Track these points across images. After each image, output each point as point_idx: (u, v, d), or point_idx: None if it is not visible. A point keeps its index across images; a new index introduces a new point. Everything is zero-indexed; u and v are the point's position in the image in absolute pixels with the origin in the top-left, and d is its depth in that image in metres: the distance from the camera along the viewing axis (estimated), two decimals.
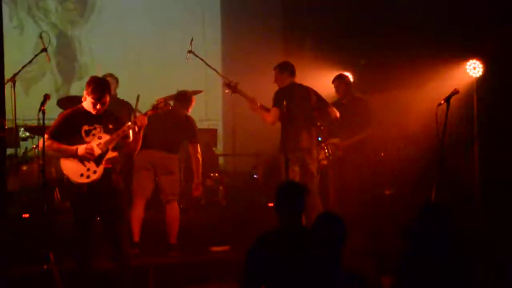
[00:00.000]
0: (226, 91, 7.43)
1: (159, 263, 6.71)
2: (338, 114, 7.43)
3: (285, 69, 7.44)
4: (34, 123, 6.80)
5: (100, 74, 7.01)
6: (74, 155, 5.58)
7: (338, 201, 7.76)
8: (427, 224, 4.22)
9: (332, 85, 8.11)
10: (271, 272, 4.22)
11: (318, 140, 7.63)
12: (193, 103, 7.58)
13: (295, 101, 7.22)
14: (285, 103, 6.94)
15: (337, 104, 7.81)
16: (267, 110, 7.26)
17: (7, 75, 7.18)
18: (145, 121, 5.78)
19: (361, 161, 7.87)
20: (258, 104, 7.32)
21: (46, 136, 5.65)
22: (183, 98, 7.49)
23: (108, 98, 5.71)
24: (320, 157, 7.70)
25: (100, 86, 5.69)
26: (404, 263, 4.24)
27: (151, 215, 7.83)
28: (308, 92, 7.42)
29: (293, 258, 4.21)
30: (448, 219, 4.23)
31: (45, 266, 5.64)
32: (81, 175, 5.59)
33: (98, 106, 5.66)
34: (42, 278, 5.65)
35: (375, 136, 8.05)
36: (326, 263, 4.10)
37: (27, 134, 8.35)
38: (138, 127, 5.74)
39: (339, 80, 8.06)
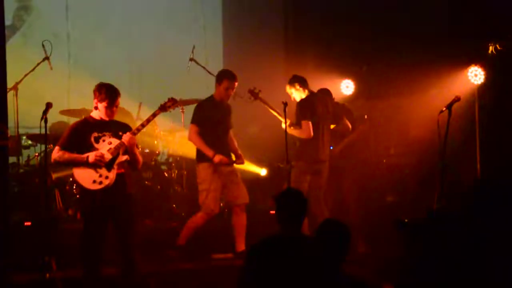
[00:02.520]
0: (249, 97, 7.31)
1: (162, 271, 6.70)
2: (350, 127, 7.56)
3: (294, 81, 7.42)
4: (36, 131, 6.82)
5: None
6: (85, 163, 5.59)
7: (337, 208, 7.73)
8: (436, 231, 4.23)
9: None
10: (268, 277, 4.23)
11: (330, 149, 7.62)
12: None
13: (318, 112, 7.27)
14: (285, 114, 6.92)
15: None
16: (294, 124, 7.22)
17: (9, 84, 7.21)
18: (133, 140, 5.72)
19: (357, 166, 7.84)
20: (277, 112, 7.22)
21: (57, 147, 5.68)
22: None
23: (119, 101, 5.76)
24: None
25: (112, 88, 5.75)
26: (408, 270, 4.24)
27: (152, 223, 7.86)
28: (328, 102, 7.52)
29: (289, 263, 4.22)
30: (456, 227, 4.24)
31: (47, 274, 5.66)
32: (94, 181, 5.60)
33: (114, 109, 5.73)
34: (45, 286, 5.67)
35: (368, 137, 8.04)
36: (323, 270, 4.09)
37: (30, 142, 8.37)
38: (127, 146, 5.68)
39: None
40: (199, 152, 7.01)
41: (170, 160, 8.76)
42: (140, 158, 5.86)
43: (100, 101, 5.69)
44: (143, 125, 5.82)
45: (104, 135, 5.69)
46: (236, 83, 6.96)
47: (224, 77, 6.94)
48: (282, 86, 7.71)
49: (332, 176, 7.69)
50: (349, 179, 7.83)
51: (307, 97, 7.36)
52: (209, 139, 6.93)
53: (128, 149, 5.69)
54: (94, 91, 5.74)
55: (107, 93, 5.70)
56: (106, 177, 5.60)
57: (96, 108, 5.72)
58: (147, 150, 8.25)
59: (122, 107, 8.23)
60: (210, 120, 6.96)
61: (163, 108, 5.97)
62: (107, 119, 5.72)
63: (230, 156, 7.04)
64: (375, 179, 8.10)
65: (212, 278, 6.66)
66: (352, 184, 7.82)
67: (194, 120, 6.98)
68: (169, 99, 6.02)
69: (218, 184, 6.98)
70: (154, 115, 5.89)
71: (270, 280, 4.23)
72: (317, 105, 7.32)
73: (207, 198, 6.93)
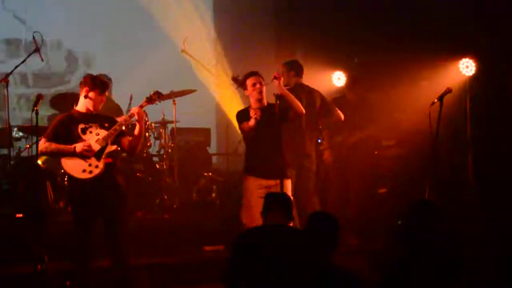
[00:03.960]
0: (233, 83, 7.12)
1: (153, 263, 6.70)
2: (342, 117, 7.30)
3: (292, 67, 7.38)
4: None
5: None
6: (72, 154, 5.58)
7: (338, 201, 7.67)
8: (417, 221, 4.22)
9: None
10: (253, 269, 4.23)
11: (318, 142, 7.58)
12: None
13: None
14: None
15: (342, 99, 7.79)
16: None
17: None
18: (142, 112, 5.76)
19: (365, 160, 7.77)
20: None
21: (43, 139, 5.66)
22: None
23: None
24: (324, 157, 7.67)
25: (102, 78, 5.80)
26: (393, 263, 4.23)
27: (143, 215, 7.85)
28: (314, 96, 7.34)
29: (277, 254, 4.22)
30: (438, 216, 4.23)
31: (39, 266, 5.65)
32: (83, 171, 5.58)
33: (105, 97, 5.73)
34: (36, 278, 5.66)
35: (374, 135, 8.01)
36: (312, 262, 4.09)
37: (21, 134, 8.34)
38: (136, 120, 5.71)
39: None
40: (244, 162, 6.51)
41: (162, 152, 8.74)
42: (141, 140, 5.85)
43: (93, 89, 5.69)
44: (131, 116, 5.79)
45: (91, 126, 5.69)
46: (259, 77, 6.35)
47: (245, 78, 6.36)
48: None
49: (339, 168, 7.65)
50: (356, 173, 7.72)
51: (291, 88, 7.28)
52: (251, 150, 6.39)
53: (138, 122, 5.69)
54: (85, 81, 5.73)
55: (100, 81, 5.74)
56: (96, 166, 5.59)
57: (86, 97, 5.71)
58: None
59: (111, 98, 8.26)
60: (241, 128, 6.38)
61: (149, 100, 5.95)
62: (96, 107, 5.71)
63: (275, 169, 6.18)
64: (366, 171, 8.08)
65: (203, 270, 6.66)
66: (358, 178, 7.72)
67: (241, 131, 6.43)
68: (154, 92, 5.99)
69: (256, 198, 6.15)
70: (140, 107, 5.86)
71: (257, 271, 4.22)
72: (300, 99, 7.19)
73: (242, 210, 6.39)
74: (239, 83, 6.65)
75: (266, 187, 6.17)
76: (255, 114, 6.19)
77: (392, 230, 4.45)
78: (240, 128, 6.42)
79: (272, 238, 4.32)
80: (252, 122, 6.18)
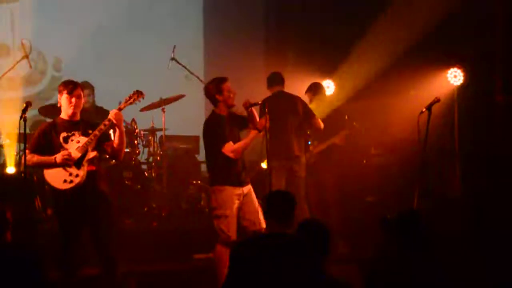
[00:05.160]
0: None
1: (142, 271, 6.68)
2: (322, 126, 7.39)
3: (268, 81, 7.54)
4: None
5: None
6: (54, 164, 5.56)
7: (319, 209, 7.74)
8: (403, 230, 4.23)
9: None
10: (251, 276, 4.23)
11: (308, 144, 7.64)
12: None
13: (282, 110, 7.23)
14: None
15: None
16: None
17: None
18: (120, 115, 5.64)
19: (337, 167, 7.85)
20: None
21: (27, 151, 5.64)
22: None
23: (80, 92, 5.69)
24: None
25: (69, 80, 5.74)
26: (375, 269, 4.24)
27: (132, 223, 7.83)
28: (296, 102, 7.44)
29: (272, 263, 4.22)
30: (424, 224, 4.25)
31: None
32: (64, 181, 5.56)
33: (73, 100, 5.63)
34: None
35: (350, 142, 8.05)
36: (306, 270, 4.09)
37: (8, 141, 8.29)
38: (114, 123, 5.64)
39: (312, 92, 7.96)
40: (216, 173, 6.18)
41: (151, 159, 8.72)
42: (125, 143, 5.80)
43: (60, 93, 5.68)
44: (109, 120, 5.66)
45: (73, 134, 5.65)
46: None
47: (220, 83, 6.16)
48: (262, 85, 7.74)
49: (314, 177, 7.70)
50: (330, 180, 7.83)
51: (269, 96, 7.36)
52: (223, 160, 6.09)
53: (117, 126, 5.61)
54: (58, 89, 5.74)
55: (64, 84, 5.70)
56: (77, 176, 5.56)
57: (61, 105, 5.70)
58: (127, 150, 8.20)
59: (101, 106, 8.23)
60: (222, 137, 6.13)
61: (128, 100, 5.80)
62: (72, 110, 5.65)
63: (247, 175, 6.24)
64: (355, 179, 8.12)
65: (193, 278, 6.65)
66: (333, 185, 7.83)
67: (220, 141, 6.09)
68: (134, 91, 5.89)
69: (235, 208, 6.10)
70: (119, 110, 5.69)
71: (254, 280, 4.22)
72: (279, 104, 7.26)
73: (223, 223, 6.05)
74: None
75: (243, 195, 6.13)
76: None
77: (383, 226, 4.44)
78: (225, 148, 6.05)
79: (269, 249, 4.31)
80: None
